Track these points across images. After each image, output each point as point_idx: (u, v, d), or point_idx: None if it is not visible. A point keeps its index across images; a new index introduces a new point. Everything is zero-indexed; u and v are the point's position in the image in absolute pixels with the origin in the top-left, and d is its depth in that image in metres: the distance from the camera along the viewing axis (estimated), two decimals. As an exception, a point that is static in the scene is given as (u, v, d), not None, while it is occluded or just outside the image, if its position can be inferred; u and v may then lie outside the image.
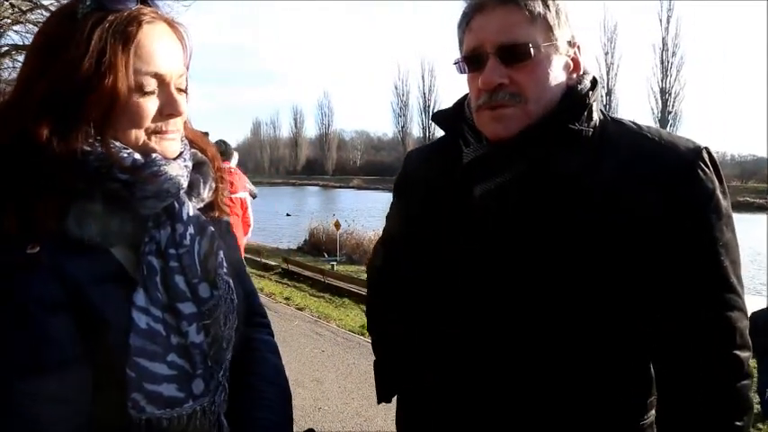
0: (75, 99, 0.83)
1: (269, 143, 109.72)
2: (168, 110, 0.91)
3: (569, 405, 1.05)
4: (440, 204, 1.17)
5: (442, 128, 1.23)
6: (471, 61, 1.07)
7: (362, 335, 6.58)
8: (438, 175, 1.20)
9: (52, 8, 9.32)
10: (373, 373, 1.44)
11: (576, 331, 1.03)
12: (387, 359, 1.41)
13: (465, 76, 1.12)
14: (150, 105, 0.88)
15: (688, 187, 0.99)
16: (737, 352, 0.98)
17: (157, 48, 0.88)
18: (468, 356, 1.12)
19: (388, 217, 1.42)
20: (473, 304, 1.10)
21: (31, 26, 9.75)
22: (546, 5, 1.03)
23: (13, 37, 10.28)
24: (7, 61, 10.18)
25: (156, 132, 0.91)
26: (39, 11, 9.56)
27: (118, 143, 0.86)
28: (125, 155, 0.86)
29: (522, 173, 1.05)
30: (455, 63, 1.11)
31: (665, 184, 0.99)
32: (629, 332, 1.05)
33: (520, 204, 1.05)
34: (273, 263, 11.07)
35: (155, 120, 0.90)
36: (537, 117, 1.04)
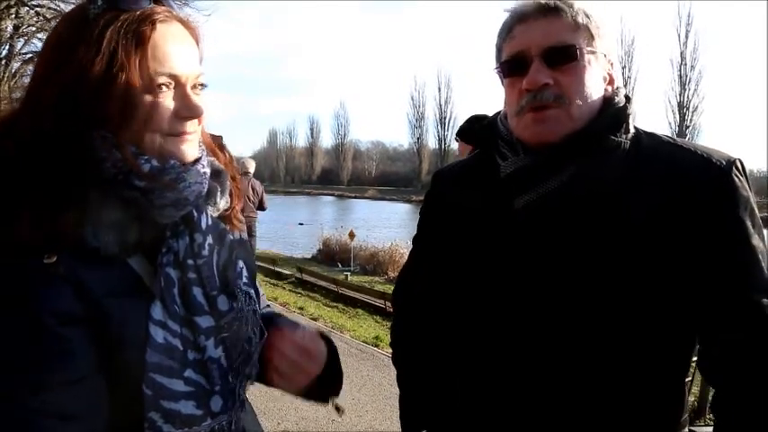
0: (87, 102, 0.79)
1: (285, 153, 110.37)
2: (185, 112, 0.87)
3: (613, 425, 1.05)
4: (478, 221, 1.16)
5: (476, 144, 1.22)
6: (513, 65, 1.08)
7: (376, 346, 6.53)
8: (473, 193, 1.19)
9: (76, 16, 9.54)
10: (399, 407, 1.41)
11: (625, 344, 1.03)
12: (414, 394, 1.38)
13: (491, 87, 1.14)
14: (166, 107, 0.85)
15: (726, 195, 1.00)
16: None
17: (172, 48, 0.85)
18: (513, 372, 1.10)
19: (416, 240, 1.40)
20: (520, 319, 1.08)
21: (55, 34, 9.96)
22: (587, 16, 1.05)
23: (37, 44, 10.51)
24: (31, 68, 10.39)
25: (173, 134, 0.87)
26: (63, 19, 9.76)
27: (134, 149, 0.83)
28: (142, 161, 0.83)
29: (564, 182, 1.05)
30: (495, 69, 1.12)
31: (704, 192, 1.00)
32: (670, 345, 1.06)
33: (564, 214, 1.05)
34: (287, 272, 11.09)
35: (171, 122, 0.86)
36: (580, 123, 1.05)
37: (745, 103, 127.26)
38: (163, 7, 0.87)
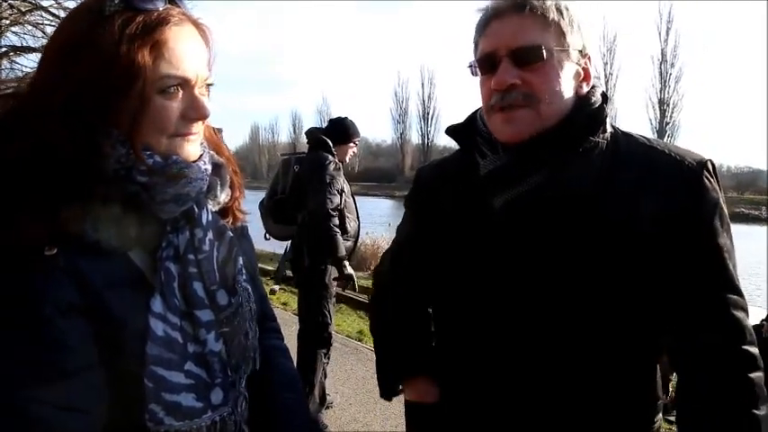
0: (102, 104, 0.80)
1: (267, 148, 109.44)
2: (193, 114, 0.88)
3: (592, 414, 1.08)
4: (458, 218, 1.18)
5: (456, 141, 1.24)
6: (484, 64, 1.09)
7: (360, 340, 6.54)
8: (454, 189, 1.21)
9: (52, 10, 9.37)
10: (376, 372, 1.43)
11: (597, 338, 1.06)
12: (391, 356, 1.40)
13: (474, 83, 1.15)
14: (175, 109, 0.86)
15: (697, 197, 1.03)
16: (748, 347, 1.01)
17: (185, 51, 0.85)
18: (489, 362, 1.14)
19: (399, 228, 1.42)
20: (502, 316, 1.11)
21: (30, 27, 9.78)
22: (560, 12, 1.06)
23: (11, 38, 10.30)
24: (5, 62, 10.18)
25: (178, 135, 0.88)
26: (38, 12, 9.59)
27: (138, 145, 0.83)
28: (146, 156, 0.84)
29: (541, 182, 1.06)
30: (469, 66, 1.14)
31: (677, 193, 1.03)
32: (643, 337, 1.09)
33: (541, 213, 1.07)
34: (270, 267, 11.02)
35: (178, 123, 0.87)
36: (550, 121, 1.06)
37: (722, 101, 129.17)
38: (178, 9, 0.87)
